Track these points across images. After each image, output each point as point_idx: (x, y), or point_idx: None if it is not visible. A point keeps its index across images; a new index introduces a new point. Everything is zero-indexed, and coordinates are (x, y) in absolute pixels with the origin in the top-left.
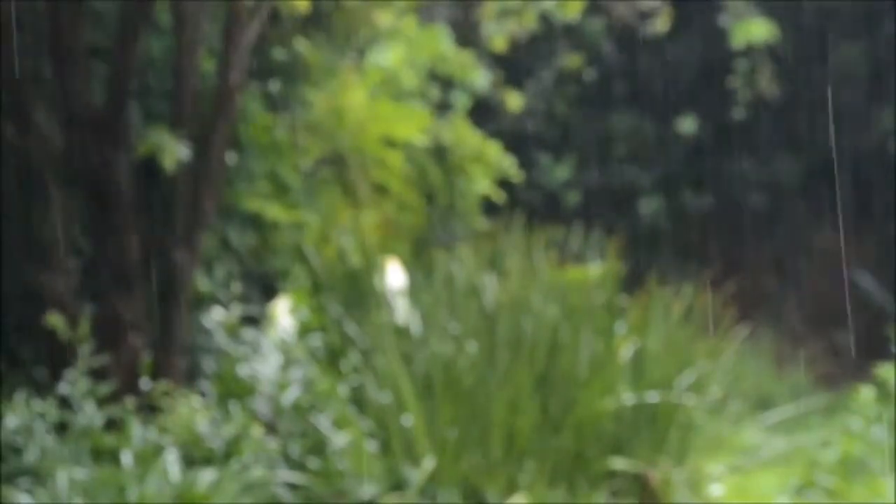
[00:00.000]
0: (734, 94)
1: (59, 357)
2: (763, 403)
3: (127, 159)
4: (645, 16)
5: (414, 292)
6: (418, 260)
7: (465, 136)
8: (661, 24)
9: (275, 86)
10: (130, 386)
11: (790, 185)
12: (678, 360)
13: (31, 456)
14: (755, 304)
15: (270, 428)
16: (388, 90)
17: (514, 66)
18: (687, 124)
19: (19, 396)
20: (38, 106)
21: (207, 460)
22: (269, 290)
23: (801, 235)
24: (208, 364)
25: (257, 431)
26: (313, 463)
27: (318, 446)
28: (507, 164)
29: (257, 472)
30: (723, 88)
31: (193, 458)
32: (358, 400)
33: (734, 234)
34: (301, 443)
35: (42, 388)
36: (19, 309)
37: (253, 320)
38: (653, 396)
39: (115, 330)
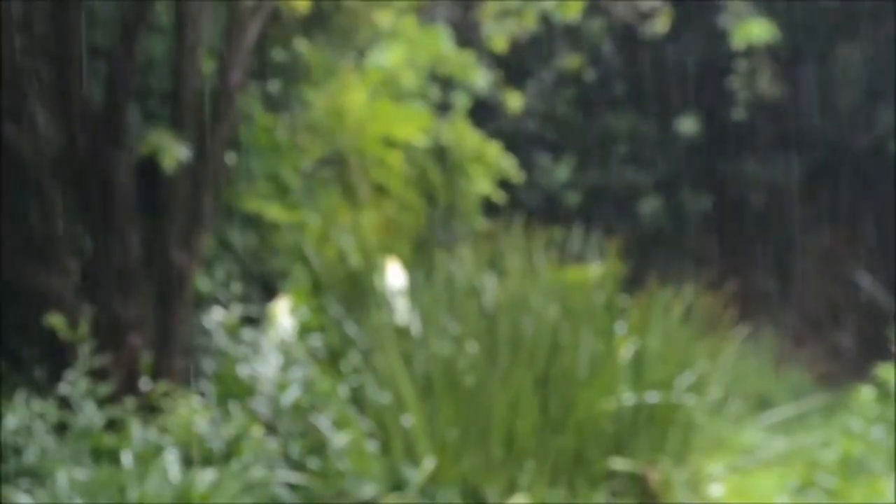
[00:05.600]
0: (734, 94)
1: (59, 357)
2: (763, 403)
3: (127, 159)
4: (645, 16)
5: (414, 292)
6: (418, 260)
7: (465, 137)
8: (661, 24)
9: (275, 86)
10: (130, 386)
11: (790, 185)
12: (678, 360)
13: (31, 456)
14: (755, 304)
15: (270, 428)
16: (388, 90)
17: (514, 66)
18: (687, 124)
19: (19, 396)
20: (38, 106)
21: (207, 460)
22: (269, 290)
23: (801, 235)
24: (208, 364)
25: (257, 431)
26: (313, 463)
27: (318, 446)
28: (507, 164)
29: (257, 472)
30: (723, 88)
31: (193, 458)
32: (358, 400)
33: (734, 234)
34: (301, 443)
35: (42, 388)
36: (19, 309)
37: (253, 320)
38: (653, 396)
39: (115, 330)
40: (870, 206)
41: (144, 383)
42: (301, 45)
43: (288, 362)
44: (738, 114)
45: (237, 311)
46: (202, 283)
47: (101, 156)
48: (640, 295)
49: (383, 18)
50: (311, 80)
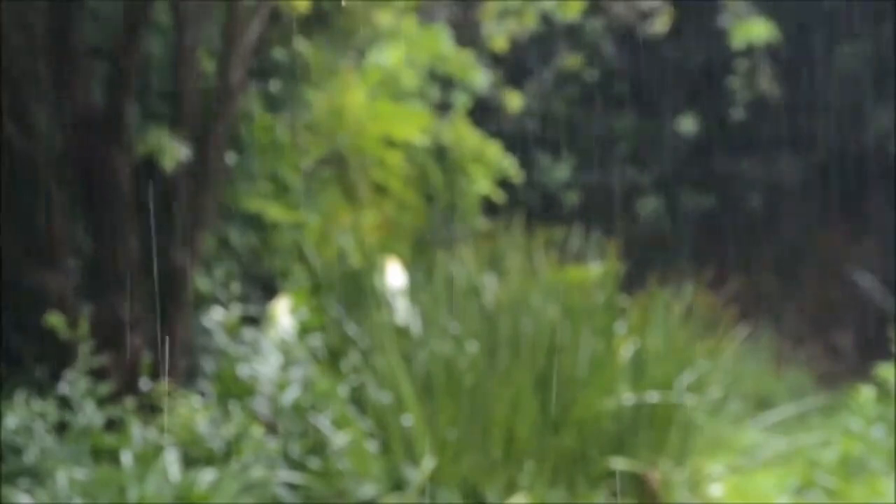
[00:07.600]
0: (734, 94)
1: (59, 357)
2: (763, 403)
3: (127, 159)
4: (645, 16)
5: (414, 292)
6: (418, 260)
7: (465, 136)
8: (661, 24)
9: (275, 86)
10: (130, 386)
11: (790, 185)
12: (678, 360)
13: (31, 456)
14: (755, 304)
15: (270, 428)
16: (388, 90)
17: (514, 66)
18: (687, 124)
19: (19, 396)
20: (38, 106)
21: (207, 460)
22: (269, 290)
23: (801, 235)
24: (208, 364)
25: (257, 431)
26: (313, 463)
27: (318, 446)
28: (507, 164)
29: (257, 472)
30: (723, 88)
31: (193, 458)
32: (358, 400)
33: (734, 234)
34: (301, 443)
35: (42, 388)
36: (19, 309)
37: (253, 320)
38: (653, 396)
39: (115, 330)
40: (870, 206)
41: (144, 383)
42: (301, 45)
43: (288, 362)
44: (738, 114)
45: (237, 311)
46: (202, 283)
47: (101, 156)
48: (640, 295)
49: (383, 18)
50: (311, 80)
